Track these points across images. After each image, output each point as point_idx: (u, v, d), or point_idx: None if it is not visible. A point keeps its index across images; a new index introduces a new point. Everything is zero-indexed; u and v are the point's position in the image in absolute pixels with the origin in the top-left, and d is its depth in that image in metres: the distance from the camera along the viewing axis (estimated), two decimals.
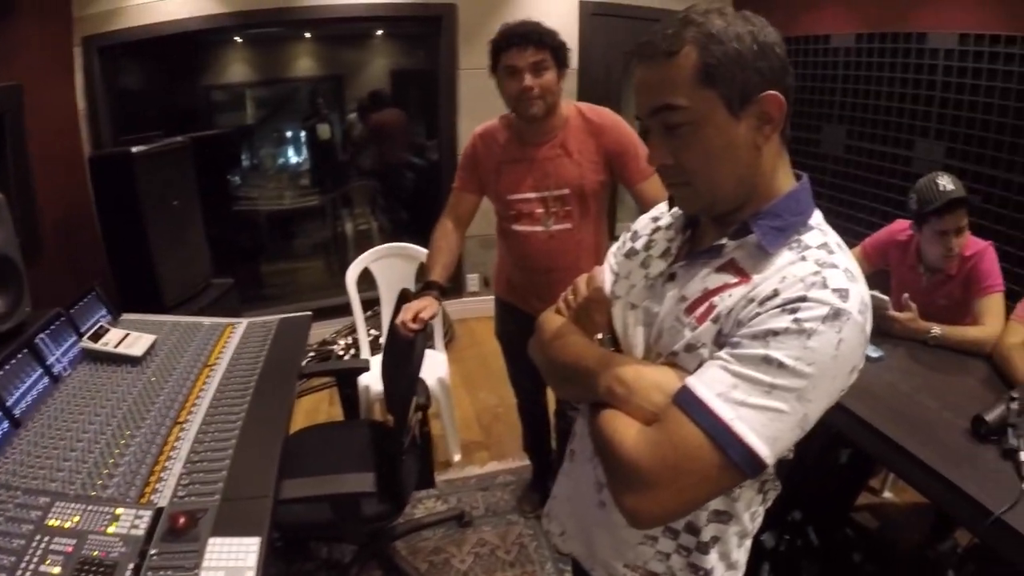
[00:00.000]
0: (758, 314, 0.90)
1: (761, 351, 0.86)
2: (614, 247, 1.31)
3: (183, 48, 4.58)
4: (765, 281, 0.93)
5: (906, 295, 2.44)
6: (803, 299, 0.87)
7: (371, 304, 3.84)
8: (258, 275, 5.68)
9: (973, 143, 3.67)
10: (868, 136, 4.36)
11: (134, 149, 3.13)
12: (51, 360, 2.12)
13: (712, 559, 1.12)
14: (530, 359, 1.28)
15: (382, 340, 3.42)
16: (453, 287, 5.27)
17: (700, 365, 0.95)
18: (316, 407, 4.04)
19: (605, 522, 1.16)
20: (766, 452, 0.86)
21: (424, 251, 3.05)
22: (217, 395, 2.11)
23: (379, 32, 5.75)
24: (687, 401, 0.90)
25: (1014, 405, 1.80)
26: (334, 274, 5.74)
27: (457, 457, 3.45)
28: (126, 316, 2.65)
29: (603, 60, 5.18)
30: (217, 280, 3.83)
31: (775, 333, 0.86)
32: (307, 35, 5.47)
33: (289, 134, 6.11)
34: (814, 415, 0.90)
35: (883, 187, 4.27)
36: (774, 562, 2.40)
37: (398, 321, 2.22)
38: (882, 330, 2.41)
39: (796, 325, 0.85)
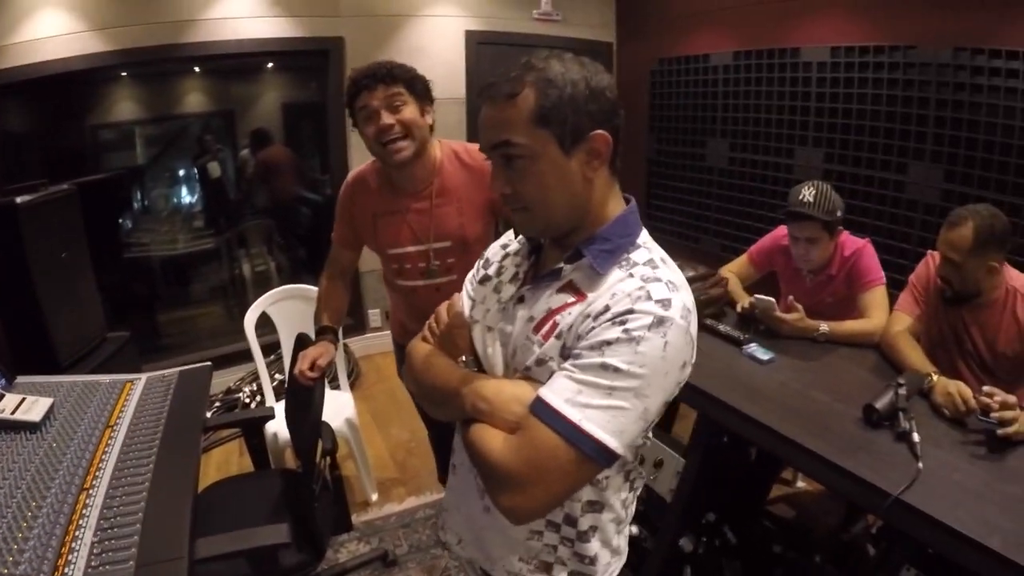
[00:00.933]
0: (593, 328, 1.03)
1: (599, 359, 0.99)
2: (469, 275, 1.41)
3: (67, 87, 4.37)
4: (598, 298, 1.06)
5: (791, 297, 2.55)
6: (630, 311, 1.00)
7: (273, 348, 3.77)
8: (155, 325, 5.46)
9: (849, 147, 3.89)
10: (751, 147, 4.54)
11: (18, 199, 2.97)
12: None
13: (594, 546, 1.22)
14: None
15: (287, 381, 3.37)
16: (355, 323, 5.29)
17: (551, 377, 1.06)
18: (227, 459, 3.90)
19: (493, 525, 1.24)
20: (615, 444, 0.99)
21: None
22: (121, 456, 2.03)
23: (270, 64, 5.63)
24: (541, 409, 1.02)
25: (902, 390, 1.91)
26: (234, 318, 5.50)
27: (375, 496, 3.40)
28: (21, 379, 2.54)
29: None
30: (112, 334, 3.68)
31: (609, 343, 0.99)
32: (196, 69, 5.31)
33: (182, 172, 5.84)
34: (654, 407, 1.03)
35: (767, 195, 4.46)
36: (695, 565, 2.47)
37: (296, 371, 2.18)
38: (772, 331, 2.54)
39: (626, 334, 0.99)
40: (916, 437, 1.77)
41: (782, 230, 2.88)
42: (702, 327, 2.44)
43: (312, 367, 2.15)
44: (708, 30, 4.83)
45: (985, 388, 1.90)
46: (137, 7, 4.05)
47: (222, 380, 4.41)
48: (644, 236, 1.18)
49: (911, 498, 1.57)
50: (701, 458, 2.28)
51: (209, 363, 2.76)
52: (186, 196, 5.91)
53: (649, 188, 5.57)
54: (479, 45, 5.11)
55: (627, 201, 1.20)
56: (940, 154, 3.48)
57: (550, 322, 1.12)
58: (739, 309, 2.73)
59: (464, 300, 1.34)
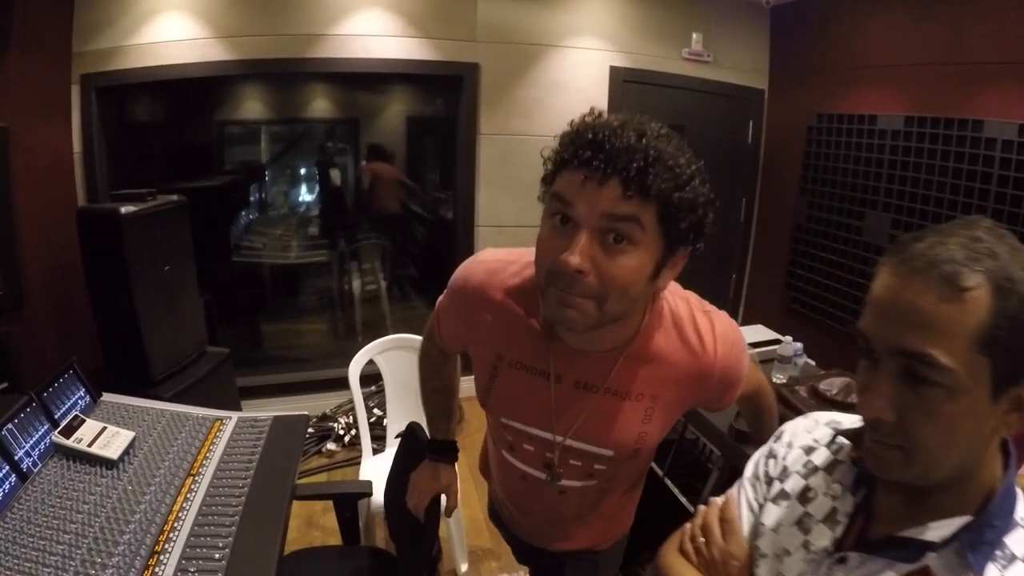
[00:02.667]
0: None
1: None
2: (748, 472, 1.05)
3: (194, 84, 4.33)
4: None
5: None
6: None
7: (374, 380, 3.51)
8: (258, 334, 5.39)
9: None
10: (916, 226, 4.02)
11: (123, 209, 2.87)
12: (19, 455, 1.87)
13: None
14: None
15: (388, 430, 3.19)
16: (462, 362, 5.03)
17: None
18: (309, 516, 3.49)
19: None
20: None
21: None
22: (201, 514, 1.83)
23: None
24: None
25: None
26: (340, 336, 5.42)
27: (464, 567, 3.08)
28: (107, 397, 2.38)
29: None
30: (212, 348, 3.57)
31: None
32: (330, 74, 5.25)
33: (303, 171, 5.84)
34: None
35: None
36: None
37: (411, 506, 1.77)
38: None
39: None
40: None
41: None
42: None
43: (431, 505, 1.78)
44: (874, 88, 4.39)
45: None
46: (265, 16, 3.98)
47: (318, 404, 4.28)
48: (1020, 506, 0.81)
49: None
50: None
51: (306, 413, 2.55)
52: (305, 197, 5.85)
53: (792, 256, 5.12)
54: (624, 83, 4.80)
55: (1004, 452, 0.83)
56: None
57: None
58: None
59: (743, 514, 1.01)
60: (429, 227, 5.68)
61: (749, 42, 5.21)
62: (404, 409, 3.09)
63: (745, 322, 4.68)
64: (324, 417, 4.22)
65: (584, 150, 1.05)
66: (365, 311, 5.30)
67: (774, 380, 2.52)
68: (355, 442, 3.93)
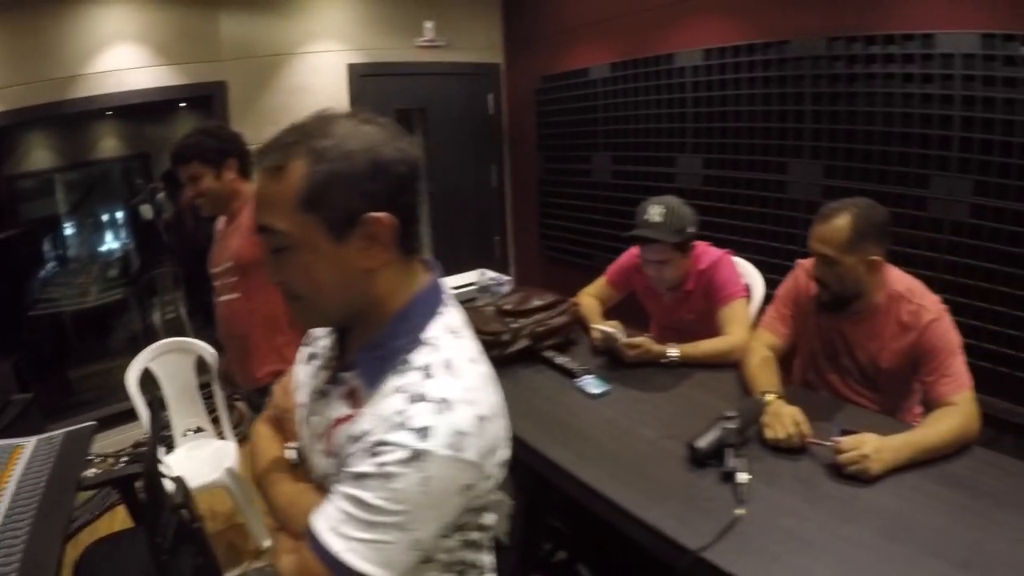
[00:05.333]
0: (351, 454, 0.89)
1: (356, 491, 0.85)
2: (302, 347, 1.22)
3: None
4: (363, 417, 0.91)
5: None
6: (383, 443, 0.85)
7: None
8: (67, 382, 5.18)
9: (728, 150, 3.76)
10: (632, 159, 4.39)
11: None
12: None
13: None
14: None
15: (173, 430, 3.27)
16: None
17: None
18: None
19: None
20: (382, 574, 0.86)
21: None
22: (2, 527, 1.92)
23: (182, 104, 5.40)
24: (311, 535, 0.88)
25: (731, 424, 1.68)
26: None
27: (267, 543, 3.14)
28: None
29: None
30: (17, 396, 3.50)
31: (362, 476, 0.85)
32: (108, 112, 5.02)
33: (105, 218, 5.59)
34: (427, 536, 0.90)
35: None
36: None
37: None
38: (620, 360, 2.28)
39: (378, 469, 0.84)
40: (743, 477, 1.54)
41: (636, 248, 2.60)
42: (540, 360, 2.29)
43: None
44: (589, 44, 4.68)
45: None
46: (24, 64, 3.90)
47: (131, 435, 4.27)
48: (435, 327, 0.97)
49: (718, 554, 1.34)
50: (527, 497, 2.12)
51: (94, 423, 2.57)
52: (108, 243, 5.66)
53: (541, 208, 5.40)
54: (362, 78, 4.93)
55: (429, 274, 1.02)
56: (819, 150, 3.34)
57: (330, 435, 0.98)
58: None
59: (298, 377, 1.17)
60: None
61: (483, 22, 5.44)
62: (183, 409, 3.27)
63: (520, 280, 5.01)
64: (137, 444, 4.24)
65: None
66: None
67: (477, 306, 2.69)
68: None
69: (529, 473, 1.93)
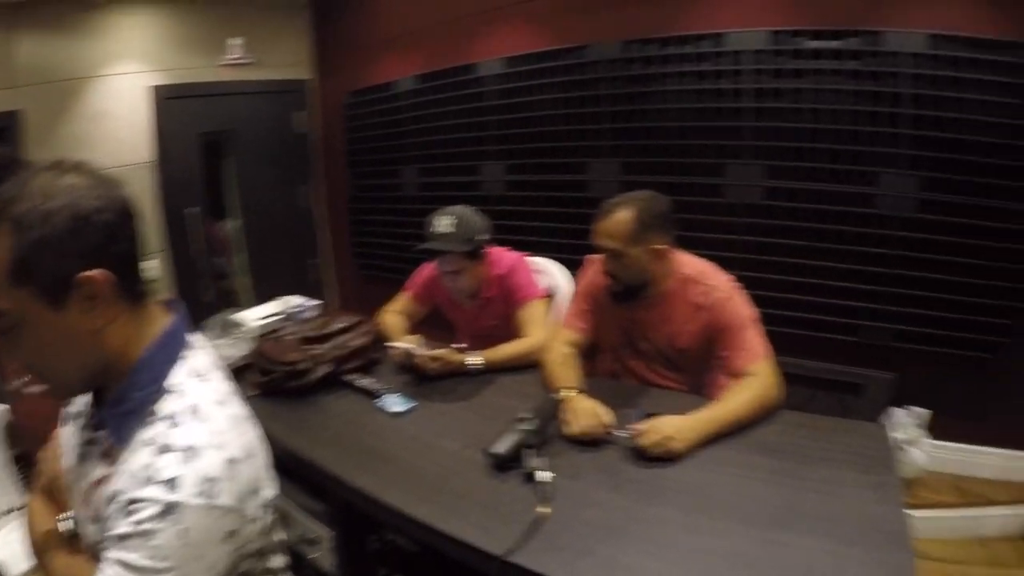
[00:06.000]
0: (111, 516, 0.85)
1: (121, 555, 0.81)
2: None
3: None
4: (117, 476, 0.88)
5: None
6: (135, 500, 0.82)
7: None
8: None
9: (528, 155, 3.80)
10: (440, 170, 4.33)
11: None
12: None
13: None
14: None
15: None
16: None
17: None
18: None
19: None
20: None
21: None
22: None
23: None
24: None
25: (527, 425, 1.64)
26: None
27: None
28: None
29: (183, 144, 4.68)
30: None
31: (124, 537, 0.82)
32: None
33: None
34: None
35: None
36: None
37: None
38: (425, 375, 2.19)
39: (136, 528, 0.81)
40: (544, 476, 1.51)
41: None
42: (340, 384, 2.17)
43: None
44: (397, 56, 4.59)
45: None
46: None
47: None
48: (179, 372, 0.93)
49: (527, 555, 1.30)
50: (343, 527, 1.95)
51: None
52: None
53: (353, 226, 5.21)
54: (167, 101, 4.54)
55: (169, 316, 0.98)
56: (618, 148, 3.48)
57: (91, 499, 0.93)
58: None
59: (63, 438, 1.09)
60: None
61: (291, 37, 5.22)
62: None
63: (341, 302, 4.83)
64: None
65: None
66: None
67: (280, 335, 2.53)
68: None
69: (340, 501, 1.84)
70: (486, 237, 2.37)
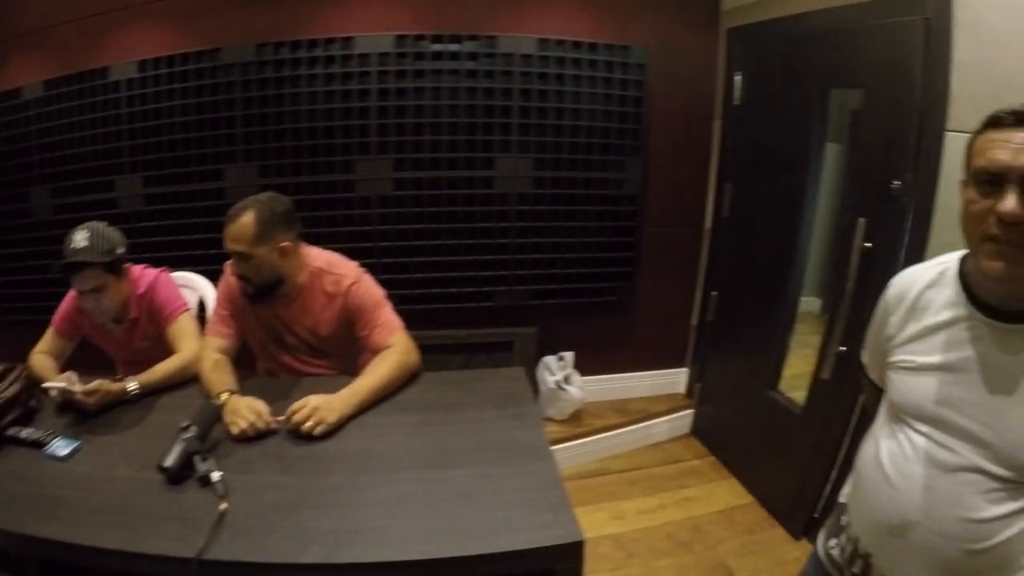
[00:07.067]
0: None
1: None
2: None
3: None
4: None
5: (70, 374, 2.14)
6: None
7: None
8: None
9: (166, 166, 3.71)
10: (72, 190, 3.85)
11: None
12: None
13: None
14: None
15: None
16: None
17: None
18: None
19: None
20: None
21: None
22: None
23: None
24: None
25: (189, 433, 1.72)
26: None
27: None
28: None
29: None
30: None
31: None
32: None
33: None
34: None
35: None
36: None
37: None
38: (86, 412, 2.08)
39: None
40: (216, 476, 1.63)
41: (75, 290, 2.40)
42: (3, 440, 1.97)
43: None
44: (23, 59, 3.91)
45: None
46: None
47: None
48: None
49: (220, 550, 1.42)
50: None
51: None
52: None
53: None
54: None
55: None
56: (253, 152, 3.57)
57: None
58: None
59: None
60: None
61: None
62: None
63: None
64: None
65: None
66: None
67: None
68: None
69: (35, 559, 1.73)
70: (123, 251, 2.35)
